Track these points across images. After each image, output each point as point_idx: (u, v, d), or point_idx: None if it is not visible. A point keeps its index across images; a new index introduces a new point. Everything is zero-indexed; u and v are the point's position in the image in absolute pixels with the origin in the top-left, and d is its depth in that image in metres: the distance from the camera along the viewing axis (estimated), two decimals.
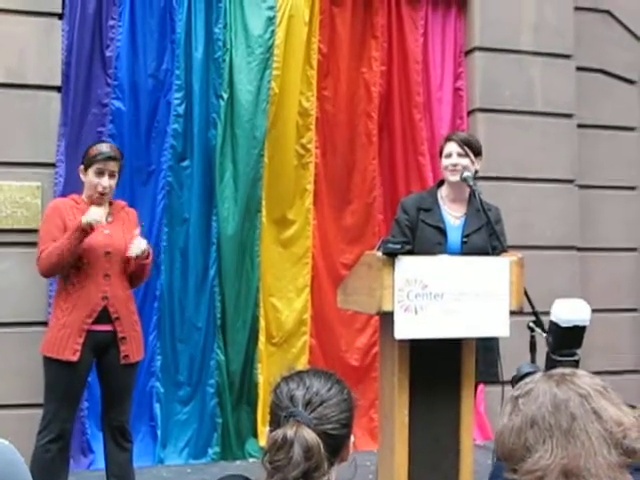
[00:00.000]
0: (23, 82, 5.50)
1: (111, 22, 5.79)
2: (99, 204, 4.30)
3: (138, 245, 4.19)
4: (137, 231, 4.30)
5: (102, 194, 4.29)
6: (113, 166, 4.31)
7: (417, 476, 3.76)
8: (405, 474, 3.74)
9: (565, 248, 6.75)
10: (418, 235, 4.24)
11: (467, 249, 4.24)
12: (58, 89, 5.60)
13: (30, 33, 5.52)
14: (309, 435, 1.81)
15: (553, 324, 3.37)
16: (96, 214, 4.07)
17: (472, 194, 4.30)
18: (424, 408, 3.78)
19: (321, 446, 1.81)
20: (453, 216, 4.35)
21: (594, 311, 6.80)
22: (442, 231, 4.27)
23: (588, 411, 1.69)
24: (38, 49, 5.53)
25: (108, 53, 5.78)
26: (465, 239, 4.28)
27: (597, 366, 6.93)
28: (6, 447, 1.65)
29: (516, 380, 1.96)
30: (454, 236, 4.29)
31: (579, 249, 6.86)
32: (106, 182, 4.28)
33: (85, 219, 4.05)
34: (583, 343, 6.67)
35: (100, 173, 4.27)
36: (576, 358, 3.42)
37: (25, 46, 5.50)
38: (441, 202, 4.38)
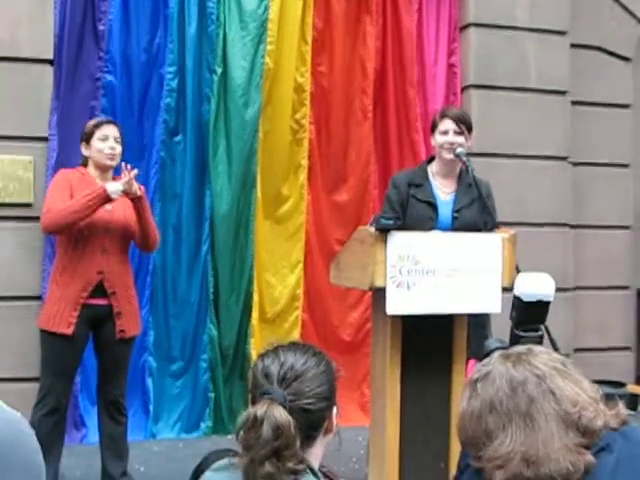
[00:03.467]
0: (15, 55, 5.46)
1: None
2: (109, 169, 4.31)
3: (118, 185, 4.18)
4: (134, 172, 4.24)
5: (111, 157, 4.30)
6: (115, 131, 4.36)
7: (408, 451, 3.79)
8: (396, 449, 3.77)
9: (557, 225, 6.75)
10: (409, 210, 4.25)
11: (458, 224, 4.25)
12: (51, 62, 5.57)
13: (23, 6, 5.47)
14: (279, 414, 1.80)
15: (516, 298, 3.36)
16: (120, 185, 4.11)
17: (465, 170, 4.32)
18: (416, 384, 3.80)
19: (292, 425, 1.79)
20: (443, 191, 4.36)
21: (586, 288, 6.97)
22: (433, 206, 4.28)
23: (545, 392, 1.69)
24: (31, 22, 5.48)
25: (101, 27, 5.73)
26: (456, 214, 4.30)
27: (588, 343, 6.98)
28: (17, 418, 1.67)
29: (483, 356, 1.96)
30: (445, 211, 4.30)
31: (572, 226, 6.88)
32: (112, 144, 4.30)
33: (110, 187, 4.08)
34: (575, 320, 6.74)
35: (105, 138, 4.29)
36: (540, 334, 3.40)
37: (18, 19, 5.46)
38: (431, 178, 4.39)
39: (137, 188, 4.22)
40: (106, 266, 4.22)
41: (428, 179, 4.38)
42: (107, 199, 4.10)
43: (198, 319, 5.97)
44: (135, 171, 4.23)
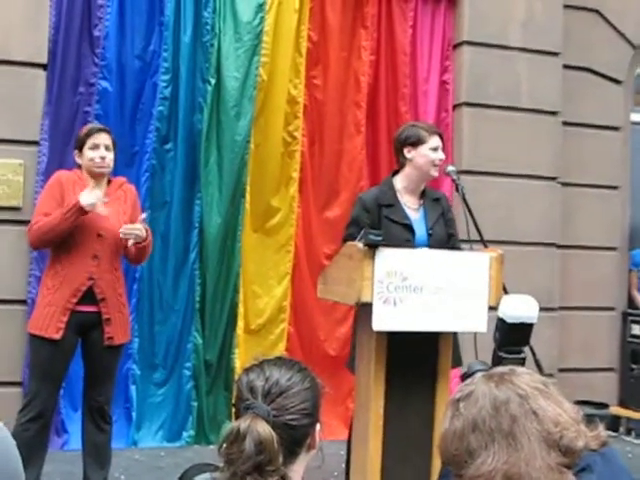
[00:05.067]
0: (8, 58, 5.45)
1: (100, 1, 5.75)
2: (100, 178, 4.31)
3: (131, 229, 4.20)
4: (142, 216, 4.32)
5: (101, 167, 4.30)
6: (106, 139, 4.35)
7: (389, 467, 3.78)
8: (378, 465, 3.76)
9: (545, 245, 6.78)
10: (383, 232, 4.09)
11: (433, 241, 4.26)
12: (44, 67, 5.56)
13: (17, 9, 5.47)
14: (262, 428, 1.80)
15: (500, 320, 3.37)
16: (94, 197, 4.07)
17: (456, 188, 4.35)
18: (400, 400, 3.80)
19: (275, 440, 1.79)
20: (411, 209, 4.35)
21: (572, 309, 6.98)
22: (409, 227, 4.27)
23: (527, 412, 1.70)
24: (25, 25, 5.48)
25: (96, 33, 5.74)
26: (430, 231, 4.31)
27: (572, 363, 7.00)
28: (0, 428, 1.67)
29: (466, 377, 1.97)
30: (420, 230, 4.30)
31: (559, 246, 6.90)
32: (103, 152, 4.30)
33: (83, 201, 4.05)
34: (560, 340, 6.76)
35: (95, 147, 4.29)
36: (522, 356, 3.42)
37: (12, 22, 5.45)
38: (399, 195, 4.36)
39: (143, 233, 4.24)
40: (97, 272, 4.20)
41: (397, 197, 4.34)
42: (82, 211, 4.07)
43: (183, 327, 5.97)
44: (144, 215, 4.32)
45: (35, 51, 5.52)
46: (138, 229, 4.22)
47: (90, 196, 4.08)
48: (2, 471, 1.62)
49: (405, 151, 4.35)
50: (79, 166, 4.38)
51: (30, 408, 4.17)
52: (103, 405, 4.36)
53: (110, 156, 4.35)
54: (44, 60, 5.55)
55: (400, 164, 4.41)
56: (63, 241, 4.17)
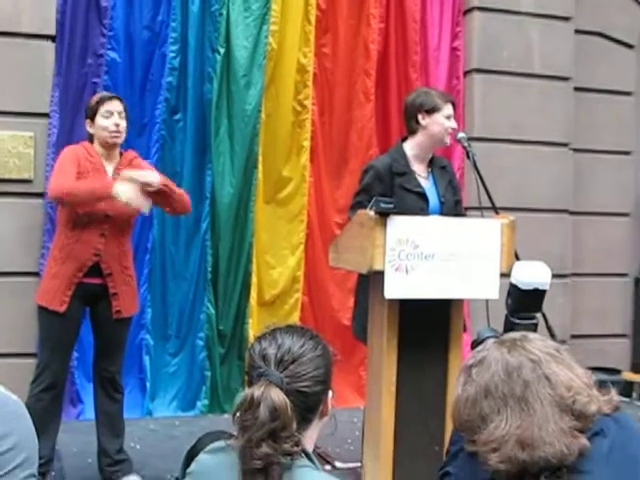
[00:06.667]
0: (17, 30, 5.42)
1: None
2: (113, 149, 4.28)
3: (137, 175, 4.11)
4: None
5: (116, 135, 4.25)
6: (119, 106, 4.29)
7: (403, 434, 3.80)
8: (391, 432, 3.78)
9: (558, 211, 6.76)
10: (397, 201, 3.86)
11: (445, 209, 4.27)
12: (52, 38, 5.54)
13: None
14: (276, 395, 1.80)
15: (513, 286, 3.37)
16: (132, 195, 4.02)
17: (467, 155, 4.34)
18: (412, 367, 3.81)
19: (289, 406, 1.80)
20: (422, 177, 4.33)
21: (584, 275, 6.97)
22: (423, 196, 4.26)
23: (540, 377, 1.71)
24: None
25: (104, 3, 5.69)
26: (442, 199, 4.31)
27: (585, 329, 7.00)
28: (14, 402, 1.69)
29: (476, 344, 1.97)
30: (433, 198, 4.29)
31: (572, 213, 6.87)
32: (117, 120, 4.24)
33: (119, 193, 3.98)
34: (572, 306, 6.75)
35: (109, 114, 4.24)
36: (534, 321, 3.41)
37: None
38: (410, 163, 4.33)
39: (156, 182, 4.14)
40: (103, 249, 4.18)
41: (409, 166, 4.31)
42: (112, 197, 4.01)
43: (195, 298, 5.98)
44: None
45: (43, 23, 5.49)
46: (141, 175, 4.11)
47: (126, 189, 4.00)
48: (25, 437, 1.65)
49: (420, 117, 4.31)
50: (90, 136, 4.34)
51: (42, 379, 4.20)
52: (114, 375, 4.39)
53: (123, 124, 4.29)
54: (52, 32, 5.52)
55: (411, 130, 4.38)
56: (71, 219, 4.16)
